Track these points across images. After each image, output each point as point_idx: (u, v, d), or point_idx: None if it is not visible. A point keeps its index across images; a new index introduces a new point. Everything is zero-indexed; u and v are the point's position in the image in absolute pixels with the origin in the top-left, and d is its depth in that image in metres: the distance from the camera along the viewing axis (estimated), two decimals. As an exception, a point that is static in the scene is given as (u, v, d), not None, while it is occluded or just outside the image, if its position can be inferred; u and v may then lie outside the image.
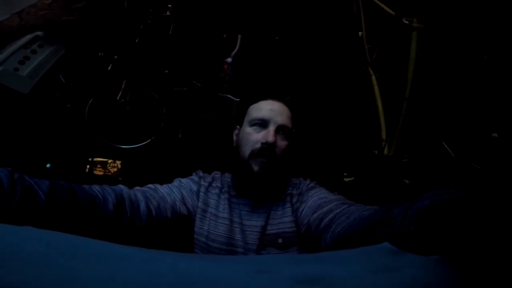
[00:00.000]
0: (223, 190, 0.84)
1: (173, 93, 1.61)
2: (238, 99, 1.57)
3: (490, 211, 0.23)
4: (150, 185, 0.76)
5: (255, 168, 0.74)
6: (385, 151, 1.40)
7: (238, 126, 0.87)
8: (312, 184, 0.81)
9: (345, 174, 1.55)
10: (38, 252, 0.25)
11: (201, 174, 0.89)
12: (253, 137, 0.77)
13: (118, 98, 1.50)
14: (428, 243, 0.28)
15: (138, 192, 0.68)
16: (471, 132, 1.20)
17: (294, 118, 0.84)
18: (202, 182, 0.84)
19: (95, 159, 1.69)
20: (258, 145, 0.75)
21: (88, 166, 1.68)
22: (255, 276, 0.25)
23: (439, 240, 0.27)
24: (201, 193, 0.82)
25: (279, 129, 0.78)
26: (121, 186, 0.66)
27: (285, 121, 0.78)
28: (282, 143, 0.77)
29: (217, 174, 0.90)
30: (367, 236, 0.41)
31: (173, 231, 0.77)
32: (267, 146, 0.74)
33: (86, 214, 0.52)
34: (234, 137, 0.87)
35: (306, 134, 1.58)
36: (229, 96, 1.58)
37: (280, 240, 0.73)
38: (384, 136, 1.41)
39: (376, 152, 1.45)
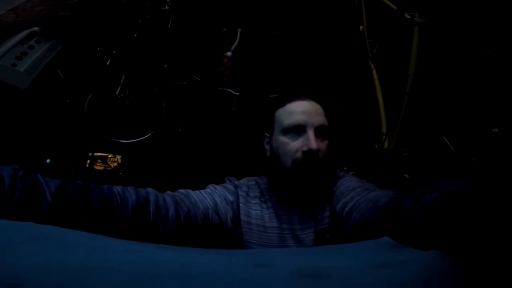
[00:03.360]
0: (263, 199, 0.79)
1: (172, 87, 1.60)
2: (238, 93, 1.56)
3: (494, 206, 0.23)
4: (181, 190, 0.72)
5: (302, 177, 0.70)
6: (385, 145, 1.39)
7: (267, 134, 0.81)
8: (341, 174, 0.79)
9: (345, 168, 1.55)
10: (37, 247, 0.25)
11: (236, 182, 0.83)
12: (292, 147, 0.72)
13: (117, 93, 1.49)
14: (435, 237, 0.29)
15: (167, 196, 0.65)
16: (471, 126, 1.19)
17: (326, 111, 0.78)
18: (239, 192, 0.79)
19: (95, 154, 1.69)
20: (300, 154, 0.70)
21: (88, 161, 1.68)
22: (255, 269, 0.25)
23: (445, 234, 0.27)
24: (241, 205, 0.77)
25: (318, 132, 0.72)
26: (149, 189, 0.63)
27: (321, 121, 0.73)
28: (323, 145, 0.73)
29: (250, 181, 0.84)
30: (382, 224, 0.42)
31: (209, 241, 0.75)
32: (310, 154, 0.69)
33: (100, 217, 0.49)
34: (266, 146, 0.81)
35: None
36: (229, 90, 1.57)
37: (328, 235, 0.72)
38: (384, 130, 1.41)
39: (376, 146, 1.45)
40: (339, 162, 1.57)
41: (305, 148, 0.69)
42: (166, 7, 1.44)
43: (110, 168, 1.73)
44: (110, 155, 1.73)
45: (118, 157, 1.73)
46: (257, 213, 0.77)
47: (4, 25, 1.06)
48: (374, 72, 1.41)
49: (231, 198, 0.77)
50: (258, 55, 1.58)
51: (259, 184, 0.83)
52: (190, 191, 0.73)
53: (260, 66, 1.59)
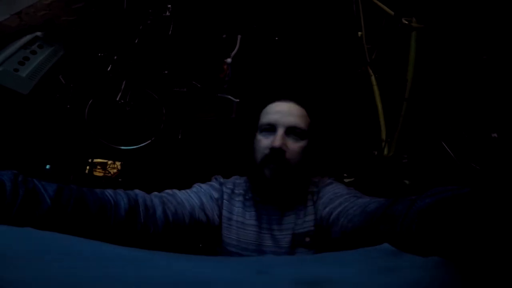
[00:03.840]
0: (247, 197, 0.81)
1: (172, 93, 1.61)
2: (238, 100, 1.57)
3: (491, 211, 0.23)
4: (167, 190, 0.73)
5: (267, 174, 0.72)
6: (385, 152, 1.39)
7: (256, 133, 0.85)
8: (329, 181, 0.79)
9: (345, 174, 1.55)
10: (35, 252, 0.25)
11: (221, 180, 0.85)
12: (263, 143, 0.75)
13: (117, 99, 1.50)
14: (430, 242, 0.28)
15: (155, 197, 0.66)
16: (470, 132, 1.20)
17: (312, 115, 0.80)
18: (224, 189, 0.82)
19: (95, 160, 1.69)
20: (267, 151, 0.73)
21: (88, 167, 1.68)
22: (255, 277, 0.25)
23: (441, 240, 0.27)
24: (224, 201, 0.80)
25: (289, 131, 0.74)
26: (137, 191, 0.64)
27: (294, 121, 0.75)
28: (294, 146, 0.74)
29: (237, 179, 0.87)
30: (372, 231, 0.41)
31: (197, 239, 0.76)
32: (274, 152, 0.71)
33: (96, 219, 0.51)
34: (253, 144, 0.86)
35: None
36: (229, 96, 1.57)
37: (307, 239, 0.72)
38: (384, 136, 1.41)
39: (376, 152, 1.45)
40: (339, 168, 1.57)
41: (271, 146, 0.72)
42: (167, 13, 1.46)
43: (109, 175, 1.72)
44: (109, 162, 1.73)
45: (118, 163, 1.73)
46: (238, 210, 0.79)
47: (8, 29, 1.07)
48: (373, 78, 1.42)
49: (216, 195, 0.79)
50: (258, 61, 1.59)
51: (246, 182, 0.85)
52: (177, 191, 0.75)
53: (260, 73, 1.60)
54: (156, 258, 0.29)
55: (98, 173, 1.70)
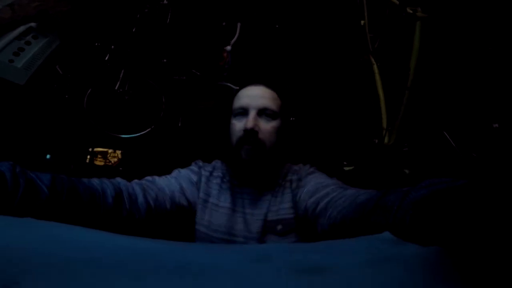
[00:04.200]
0: (224, 180, 0.83)
1: (172, 82, 1.60)
2: (238, 88, 1.56)
3: (488, 202, 0.23)
4: (148, 177, 0.76)
5: (243, 155, 0.75)
6: (386, 140, 1.39)
7: (231, 119, 0.86)
8: (311, 170, 0.81)
9: (345, 163, 1.55)
10: (39, 243, 0.25)
11: (200, 163, 0.88)
12: (237, 127, 0.77)
13: (116, 88, 1.49)
14: (425, 233, 0.28)
15: (135, 184, 0.68)
16: (472, 122, 1.19)
17: (284, 97, 0.82)
18: (202, 172, 0.84)
19: (95, 149, 1.69)
20: (241, 133, 0.75)
21: (88, 157, 1.68)
22: (255, 265, 0.25)
23: (436, 231, 0.27)
24: (202, 184, 0.81)
25: (261, 113, 0.76)
26: (119, 179, 0.66)
27: (265, 103, 0.77)
28: (267, 126, 0.76)
29: (217, 163, 0.89)
30: (362, 222, 0.41)
31: (175, 222, 0.78)
32: (248, 133, 0.74)
33: (87, 207, 0.52)
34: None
35: (306, 122, 1.57)
36: (229, 84, 1.56)
37: (279, 227, 0.73)
38: (384, 125, 1.41)
39: (377, 141, 1.45)
40: (339, 156, 1.57)
41: (244, 127, 0.74)
42: (165, 1, 1.43)
43: (110, 164, 1.73)
44: (110, 150, 1.72)
45: (118, 152, 1.73)
46: (215, 192, 0.81)
47: (1, 21, 1.05)
48: (375, 66, 1.40)
49: (195, 178, 0.82)
50: (258, 49, 1.57)
51: (225, 166, 0.87)
52: (156, 178, 0.77)
53: (260, 61, 1.58)
54: (154, 246, 0.29)
55: (99, 162, 1.70)
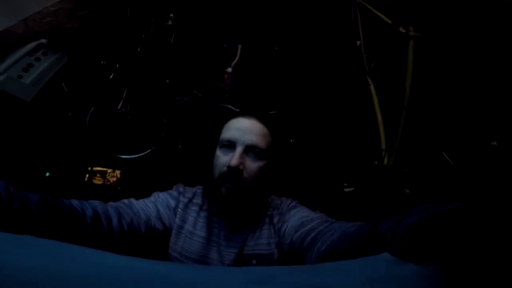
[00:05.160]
0: (203, 208, 0.80)
1: (173, 102, 1.62)
2: (239, 109, 1.58)
3: (479, 224, 0.23)
4: (124, 200, 0.75)
5: (223, 192, 0.71)
6: (385, 161, 1.39)
7: (216, 149, 0.83)
8: (293, 204, 0.78)
9: (345, 184, 1.55)
10: (39, 260, 0.25)
11: (181, 189, 0.85)
12: (221, 161, 0.73)
13: (119, 107, 1.51)
14: (422, 257, 0.28)
15: (110, 208, 0.68)
16: (470, 140, 1.20)
17: (275, 134, 0.79)
18: (181, 198, 0.81)
19: (95, 168, 1.69)
20: (224, 169, 0.71)
21: (87, 175, 1.68)
22: (258, 286, 0.25)
23: (432, 254, 0.27)
24: (179, 209, 0.79)
25: (248, 150, 0.73)
26: (96, 202, 0.67)
27: (254, 140, 0.73)
28: (252, 165, 0.72)
29: (199, 189, 0.86)
30: (355, 253, 0.40)
31: (149, 244, 0.76)
32: (231, 171, 0.70)
33: (70, 225, 0.54)
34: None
35: (305, 144, 1.58)
36: (230, 106, 1.58)
37: (254, 261, 0.71)
38: (383, 146, 1.41)
39: (376, 162, 1.45)
40: (339, 178, 1.57)
41: (228, 164, 0.71)
42: (169, 23, 1.48)
43: (109, 183, 1.72)
44: (109, 170, 1.72)
45: (118, 172, 1.73)
46: (191, 219, 0.78)
47: (14, 35, 1.09)
48: (372, 87, 1.43)
49: (173, 204, 0.79)
50: (258, 71, 1.61)
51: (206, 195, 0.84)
52: (133, 201, 0.76)
53: (260, 82, 1.62)
54: (154, 267, 0.28)
55: (98, 181, 1.70)
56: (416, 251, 0.29)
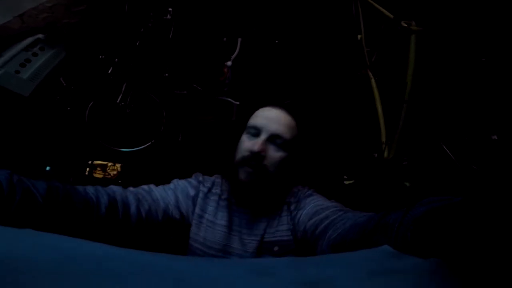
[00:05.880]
0: (222, 197, 0.81)
1: (173, 96, 1.62)
2: (238, 103, 1.57)
3: (484, 218, 0.23)
4: (144, 186, 0.75)
5: (241, 176, 0.73)
6: (385, 154, 1.39)
7: (242, 134, 0.85)
8: (309, 192, 0.80)
9: (345, 177, 1.55)
10: (40, 256, 0.25)
11: (200, 178, 0.86)
12: (245, 145, 0.75)
13: (118, 101, 1.50)
14: (425, 249, 0.28)
15: (130, 193, 0.68)
16: (470, 134, 1.20)
17: (302, 128, 0.80)
18: (201, 188, 0.82)
19: (95, 162, 1.69)
20: (247, 153, 0.73)
21: (87, 169, 1.68)
22: (256, 278, 0.25)
23: (436, 246, 0.27)
24: (199, 199, 0.80)
25: (272, 139, 0.74)
26: (114, 188, 0.66)
27: (279, 130, 0.75)
28: (274, 154, 0.74)
29: (217, 178, 0.87)
30: (364, 243, 0.41)
31: (171, 234, 0.77)
32: (253, 155, 0.72)
33: (81, 216, 0.53)
34: None
35: (305, 137, 1.58)
36: (229, 99, 1.58)
37: (276, 248, 0.72)
38: (384, 139, 1.41)
39: (376, 155, 1.45)
40: (339, 171, 1.57)
41: (251, 148, 0.72)
42: (168, 17, 1.46)
43: (109, 177, 1.72)
44: (109, 163, 1.73)
45: (118, 165, 1.73)
46: (211, 209, 0.79)
47: (10, 31, 1.08)
48: (373, 81, 1.43)
49: (192, 192, 0.80)
50: (258, 64, 1.60)
51: (224, 182, 0.85)
52: (153, 187, 0.76)
53: (260, 76, 1.61)
54: (155, 259, 0.29)
55: (98, 175, 1.70)
56: (420, 242, 0.29)
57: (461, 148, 1.22)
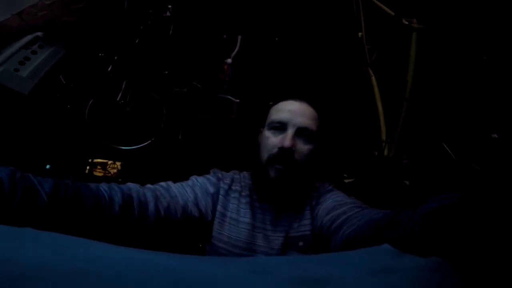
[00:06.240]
0: (243, 194, 0.79)
1: (173, 94, 1.61)
2: (238, 100, 1.57)
3: (487, 214, 0.23)
4: (162, 183, 0.73)
5: (272, 174, 0.71)
6: (385, 152, 1.39)
7: (261, 129, 0.82)
8: (329, 187, 0.79)
9: (345, 175, 1.55)
10: (37, 254, 0.25)
11: (219, 174, 0.83)
12: (271, 141, 0.73)
13: (118, 99, 1.50)
14: (431, 244, 0.29)
15: (148, 191, 0.66)
16: (471, 133, 1.20)
17: (323, 118, 0.79)
18: (221, 184, 0.80)
19: (95, 160, 1.69)
20: (275, 150, 0.71)
21: (88, 167, 1.68)
22: (253, 277, 0.25)
23: (441, 242, 0.27)
24: (220, 196, 0.78)
25: (299, 132, 0.73)
26: (131, 185, 0.64)
27: (306, 122, 0.73)
28: (303, 148, 0.72)
29: (236, 175, 0.85)
30: (376, 239, 0.41)
31: (189, 233, 0.76)
32: (283, 152, 0.70)
33: (91, 215, 0.51)
34: (258, 140, 0.82)
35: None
36: (229, 97, 1.58)
37: (300, 243, 0.71)
38: (384, 137, 1.41)
39: (376, 153, 1.45)
40: (339, 169, 1.57)
41: (280, 145, 0.71)
42: (168, 14, 1.46)
43: (109, 175, 1.72)
44: (110, 162, 1.73)
45: (118, 163, 1.73)
46: (233, 206, 0.77)
47: (9, 29, 1.07)
48: (373, 78, 1.42)
49: (212, 190, 0.78)
50: (258, 62, 1.59)
51: (245, 178, 0.83)
52: (171, 184, 0.74)
53: (260, 73, 1.61)
54: (153, 257, 0.29)
55: (98, 173, 1.70)
56: (426, 237, 0.29)
57: (461, 146, 1.21)
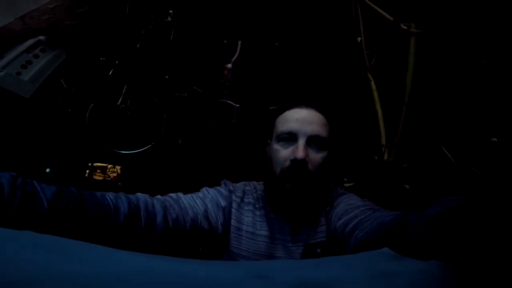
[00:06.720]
0: (257, 206, 0.78)
1: (173, 98, 1.62)
2: (238, 105, 1.57)
3: (488, 217, 0.23)
4: (172, 194, 0.72)
5: (288, 186, 0.69)
6: (385, 157, 1.39)
7: (269, 141, 0.80)
8: (342, 191, 0.78)
9: (345, 179, 1.55)
10: (34, 256, 0.25)
11: (231, 187, 0.81)
12: (282, 154, 0.71)
13: (118, 103, 1.51)
14: (435, 248, 0.29)
15: (157, 202, 0.64)
16: (470, 136, 1.20)
17: (331, 122, 0.77)
18: (233, 197, 0.78)
19: (95, 164, 1.69)
20: (288, 163, 0.69)
21: (87, 171, 1.68)
22: (252, 280, 0.25)
23: (446, 245, 0.27)
24: (233, 210, 0.76)
25: (311, 141, 0.70)
26: (139, 195, 0.63)
27: (316, 130, 0.71)
28: (316, 156, 0.70)
29: (247, 186, 0.83)
30: (386, 242, 0.41)
31: (198, 244, 0.74)
32: (296, 164, 0.68)
33: (94, 223, 0.51)
34: (268, 153, 0.80)
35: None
36: (230, 102, 1.58)
37: (318, 250, 0.70)
38: (383, 141, 1.41)
39: (376, 157, 1.45)
40: (339, 173, 1.57)
41: (292, 157, 0.69)
42: (169, 19, 1.47)
43: (109, 179, 1.72)
44: (109, 166, 1.73)
45: (118, 167, 1.73)
46: (248, 219, 0.75)
47: (11, 33, 1.08)
48: (373, 83, 1.43)
49: (223, 203, 0.76)
50: (259, 67, 1.60)
51: (256, 190, 0.82)
52: (181, 196, 0.72)
53: (261, 78, 1.61)
54: (152, 261, 0.29)
55: (98, 177, 1.70)
56: (431, 242, 0.29)
57: (461, 150, 1.21)
